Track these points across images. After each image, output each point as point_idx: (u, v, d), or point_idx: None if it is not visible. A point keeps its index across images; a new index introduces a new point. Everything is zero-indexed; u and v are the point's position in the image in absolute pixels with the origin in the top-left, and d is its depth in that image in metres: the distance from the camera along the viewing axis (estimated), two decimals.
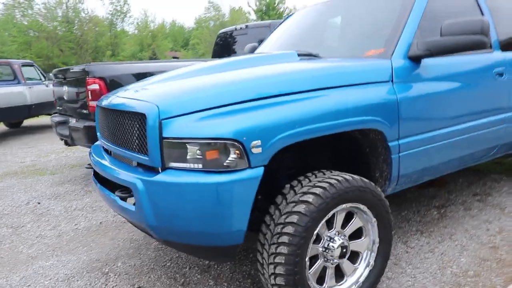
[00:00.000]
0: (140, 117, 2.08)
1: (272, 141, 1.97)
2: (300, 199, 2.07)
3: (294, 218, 2.02)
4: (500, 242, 3.06)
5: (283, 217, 2.06)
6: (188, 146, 1.96)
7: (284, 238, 2.02)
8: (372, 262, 2.38)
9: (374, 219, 2.33)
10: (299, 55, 2.77)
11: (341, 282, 2.33)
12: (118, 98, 2.42)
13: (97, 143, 3.11)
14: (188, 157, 1.97)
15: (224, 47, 6.99)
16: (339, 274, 2.33)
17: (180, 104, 2.04)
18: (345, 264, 2.31)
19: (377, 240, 2.38)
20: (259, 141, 1.94)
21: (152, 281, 2.80)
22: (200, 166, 1.95)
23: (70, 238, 3.58)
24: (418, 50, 2.55)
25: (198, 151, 1.95)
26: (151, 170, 2.10)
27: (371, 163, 2.55)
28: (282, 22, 3.99)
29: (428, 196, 4.03)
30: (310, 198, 2.06)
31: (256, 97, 2.06)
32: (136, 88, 2.54)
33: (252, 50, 4.13)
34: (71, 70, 4.81)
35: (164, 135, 1.98)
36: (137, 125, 2.12)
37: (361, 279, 2.36)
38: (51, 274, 2.96)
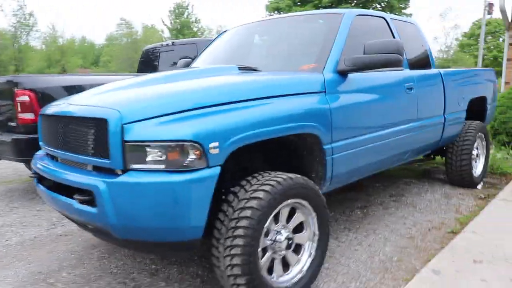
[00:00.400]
0: (100, 123, 2.17)
1: (227, 143, 2.18)
2: (252, 196, 2.29)
3: (247, 213, 2.23)
4: (416, 233, 3.54)
5: (237, 212, 2.26)
6: (149, 148, 2.10)
7: (240, 231, 2.22)
8: (313, 252, 2.66)
9: (314, 214, 2.62)
10: (239, 68, 3.03)
11: (288, 272, 2.57)
12: (72, 106, 2.47)
13: (38, 152, 3.08)
14: (149, 158, 2.10)
15: (150, 63, 7.04)
16: (285, 264, 2.58)
17: (140, 110, 2.18)
18: (290, 255, 2.56)
19: (317, 232, 2.66)
20: (217, 142, 2.14)
21: (103, 287, 2.82)
22: (162, 166, 2.09)
23: (3, 254, 3.42)
24: (345, 66, 2.93)
25: (159, 153, 2.09)
26: (110, 172, 2.20)
27: (307, 165, 2.85)
28: (215, 39, 4.24)
29: (351, 199, 4.48)
30: (260, 194, 2.29)
31: (211, 103, 2.27)
32: (88, 96, 2.60)
33: (186, 65, 4.31)
34: None
35: (126, 138, 2.10)
36: (97, 130, 2.20)
37: (305, 268, 2.62)
38: None
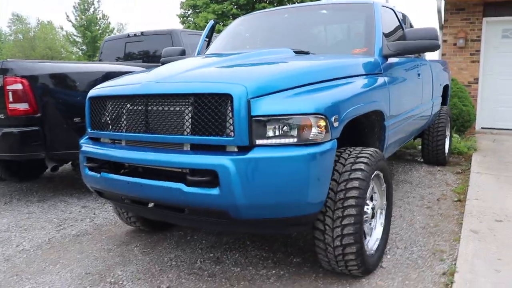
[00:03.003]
0: (222, 98, 2.10)
1: (343, 116, 2.28)
2: (353, 168, 2.40)
3: (355, 184, 2.34)
4: (429, 203, 3.93)
5: (342, 184, 2.34)
6: (276, 123, 2.09)
7: (351, 201, 2.31)
8: (383, 221, 2.84)
9: (385, 185, 2.81)
10: (294, 51, 3.09)
11: (367, 241, 2.71)
12: (168, 84, 2.30)
13: (82, 140, 2.81)
14: (275, 133, 2.10)
15: (114, 53, 6.59)
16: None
17: (264, 84, 2.16)
18: (367, 224, 2.71)
19: (385, 202, 2.86)
20: (337, 115, 2.22)
21: (174, 279, 2.68)
22: (291, 140, 2.10)
23: (26, 259, 3.03)
24: (390, 50, 3.17)
25: (286, 127, 2.10)
26: (221, 150, 2.14)
27: (367, 141, 3.03)
28: (231, 26, 4.17)
29: None
30: (362, 166, 2.40)
31: (322, 79, 2.34)
32: (175, 73, 2.44)
33: (181, 53, 4.18)
34: None
35: (254, 113, 2.07)
36: (216, 107, 2.11)
37: (379, 236, 2.79)
38: None
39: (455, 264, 2.70)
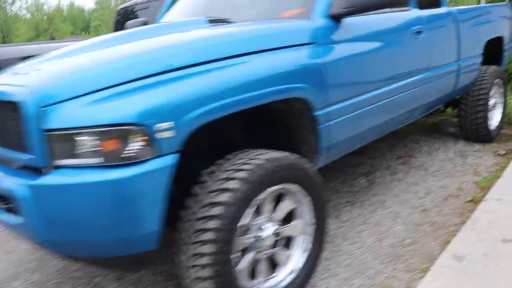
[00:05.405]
0: (12, 107, 1.62)
1: (185, 121, 1.63)
2: (223, 186, 1.76)
3: (218, 210, 1.71)
4: (430, 204, 3.03)
5: (204, 209, 1.73)
6: (79, 137, 1.55)
7: (208, 235, 1.70)
8: (309, 245, 2.15)
9: (308, 198, 2.10)
10: (210, 21, 2.41)
11: (274, 274, 2.07)
12: None
13: None
14: (80, 150, 1.56)
15: (125, 23, 6.31)
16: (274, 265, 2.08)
17: (64, 86, 1.62)
18: (279, 252, 2.06)
19: (313, 221, 2.15)
20: (170, 122, 1.58)
21: None
22: (97, 160, 1.55)
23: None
24: (340, 8, 2.31)
25: (91, 143, 1.55)
26: (38, 171, 1.67)
27: (296, 136, 2.30)
28: None
29: (353, 164, 3.92)
30: (235, 184, 1.75)
31: (161, 70, 1.70)
32: (7, 72, 2.02)
33: (142, 25, 3.66)
34: None
35: (47, 126, 1.55)
36: (10, 116, 1.65)
37: (298, 266, 2.11)
38: None
39: None
